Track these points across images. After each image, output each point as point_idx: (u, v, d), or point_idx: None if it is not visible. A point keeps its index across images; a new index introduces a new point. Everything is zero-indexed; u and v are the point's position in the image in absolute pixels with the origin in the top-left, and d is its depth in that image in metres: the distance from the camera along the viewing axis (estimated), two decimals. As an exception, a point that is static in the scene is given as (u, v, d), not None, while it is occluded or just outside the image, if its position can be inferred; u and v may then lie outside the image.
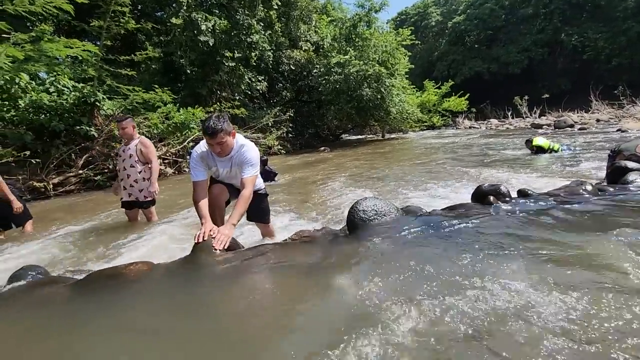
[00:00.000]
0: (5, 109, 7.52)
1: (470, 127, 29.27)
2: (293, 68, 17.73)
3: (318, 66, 17.78)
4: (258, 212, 3.00)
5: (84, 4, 7.07)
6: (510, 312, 1.30)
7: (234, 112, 12.60)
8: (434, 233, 2.21)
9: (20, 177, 7.21)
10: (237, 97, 13.99)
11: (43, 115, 8.03)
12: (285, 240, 2.58)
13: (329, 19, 20.03)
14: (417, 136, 23.39)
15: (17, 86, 7.77)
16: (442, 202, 3.76)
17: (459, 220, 2.40)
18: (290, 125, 16.93)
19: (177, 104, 10.45)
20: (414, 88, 25.23)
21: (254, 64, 14.63)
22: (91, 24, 8.57)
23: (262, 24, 14.72)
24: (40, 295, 1.92)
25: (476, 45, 46.58)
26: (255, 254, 2.30)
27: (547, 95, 33.49)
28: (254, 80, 14.72)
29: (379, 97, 17.16)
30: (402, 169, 7.87)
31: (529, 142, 8.77)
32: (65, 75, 8.50)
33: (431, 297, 1.46)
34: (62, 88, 8.52)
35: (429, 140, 17.55)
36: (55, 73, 7.96)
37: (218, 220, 2.68)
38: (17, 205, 4.06)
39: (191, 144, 10.99)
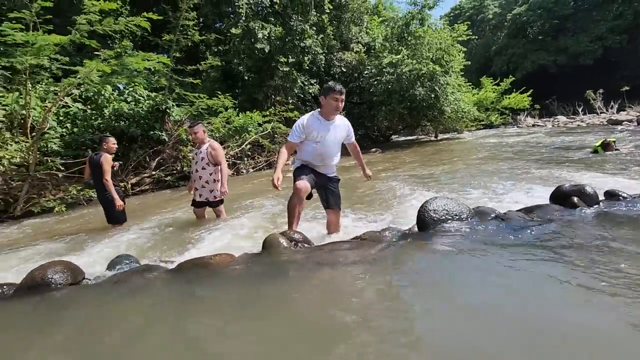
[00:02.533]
0: (93, 117, 8.52)
1: (533, 125, 27.08)
2: (344, 70, 17.82)
3: (369, 67, 17.67)
4: (335, 197, 3.23)
5: (157, 20, 7.78)
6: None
7: (287, 115, 12.98)
8: (514, 238, 2.11)
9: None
10: (291, 101, 14.40)
11: (123, 122, 8.97)
12: (355, 238, 2.62)
13: (380, 19, 19.81)
14: (474, 136, 22.20)
15: (102, 97, 8.79)
16: (513, 204, 3.55)
17: (540, 224, 2.27)
18: (341, 126, 17.00)
19: (237, 109, 11.03)
20: (470, 85, 24.00)
21: (307, 68, 14.96)
22: (163, 38, 9.39)
23: (315, 29, 15.01)
24: (143, 280, 2.17)
25: (540, 37, 42.99)
26: (328, 250, 2.38)
27: (626, 88, 29.82)
28: (306, 83, 15.06)
29: (432, 96, 16.60)
30: (463, 169, 7.53)
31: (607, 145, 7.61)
32: (141, 86, 9.44)
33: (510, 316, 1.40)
34: (139, 97, 9.47)
35: (488, 139, 16.56)
36: (133, 84, 8.85)
37: (297, 215, 3.02)
38: (119, 203, 4.58)
39: (249, 146, 11.57)
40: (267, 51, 12.73)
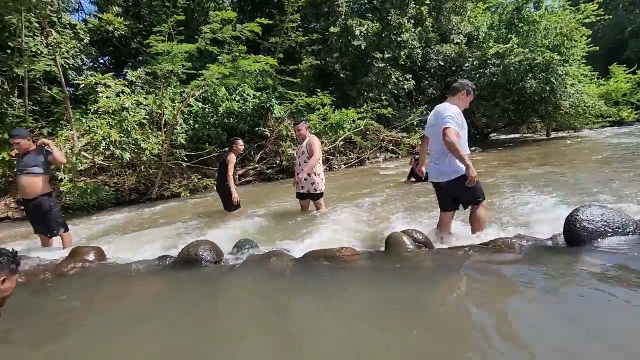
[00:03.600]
0: (210, 115, 9.63)
1: (685, 123, 21.80)
2: (442, 64, 16.78)
3: (470, 59, 16.30)
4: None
5: (264, 25, 8.39)
6: None
7: (381, 112, 12.81)
8: None
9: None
10: (384, 97, 14.17)
11: (233, 119, 9.95)
12: (484, 244, 2.41)
13: (486, 6, 18.08)
14: (598, 134, 18.81)
15: (218, 97, 9.89)
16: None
17: None
18: (435, 124, 16.13)
19: (333, 106, 11.30)
20: (595, 75, 20.39)
21: (402, 63, 14.52)
22: (270, 41, 10.11)
23: (413, 22, 14.45)
24: (275, 265, 2.35)
25: (700, 11, 34.23)
26: (457, 255, 2.25)
27: None
28: (401, 79, 14.62)
29: (547, 89, 14.54)
30: (598, 173, 6.39)
31: None
32: (247, 86, 10.34)
33: None
34: (247, 97, 10.39)
35: (621, 139, 13.84)
36: (243, 85, 9.75)
37: None
38: (235, 196, 5.19)
39: (342, 143, 11.77)
40: (363, 48, 12.72)
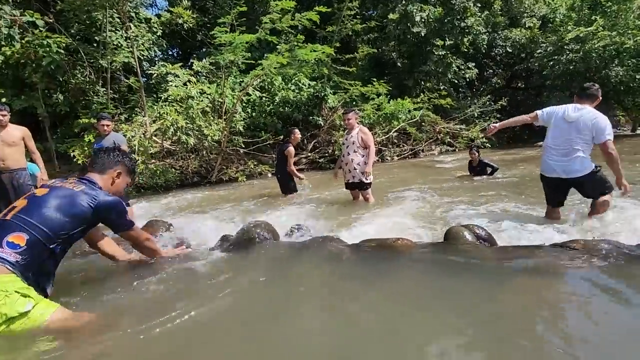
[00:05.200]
0: (267, 103, 9.93)
1: None
2: (509, 50, 15.48)
3: (544, 45, 14.80)
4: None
5: (322, 13, 8.38)
6: None
7: (439, 103, 12.23)
8: None
9: (273, 156, 9.46)
10: (442, 87, 13.49)
11: (288, 108, 10.16)
12: (556, 245, 2.22)
13: (566, -16, 16.25)
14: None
15: (274, 86, 10.14)
16: None
17: None
18: (498, 116, 15.02)
19: (388, 96, 11.03)
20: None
21: (465, 50, 13.65)
22: (327, 29, 10.09)
23: (479, 5, 13.46)
24: (331, 250, 2.38)
25: None
26: (525, 254, 2.10)
27: None
28: (462, 67, 13.77)
29: (637, 77, 12.79)
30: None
31: None
32: (303, 75, 10.45)
33: None
34: (302, 86, 10.52)
35: None
36: (299, 74, 9.88)
37: None
38: (301, 176, 5.64)
39: (395, 133, 11.48)
40: (422, 35, 12.16)
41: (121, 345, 1.34)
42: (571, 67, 13.57)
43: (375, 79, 10.66)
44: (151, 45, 9.19)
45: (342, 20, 10.01)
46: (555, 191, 3.29)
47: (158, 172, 7.28)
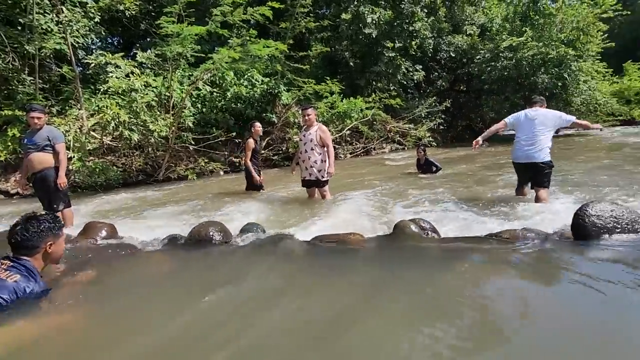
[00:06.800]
0: (218, 99, 9.61)
1: (699, 124, 21.41)
2: (453, 55, 16.52)
3: (483, 51, 16.03)
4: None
5: (275, 9, 8.30)
6: None
7: (389, 102, 12.70)
8: None
9: (225, 153, 9.20)
10: (392, 88, 14.03)
11: (240, 104, 9.92)
12: (490, 235, 2.44)
13: (501, -4, 17.72)
14: (608, 133, 18.55)
15: (226, 81, 9.84)
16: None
17: None
18: (442, 116, 16.03)
19: (341, 95, 11.22)
20: (609, 72, 20.02)
21: (412, 53, 14.32)
22: (280, 26, 9.99)
23: (426, 11, 14.19)
24: (285, 248, 2.39)
25: None
26: (464, 244, 2.28)
27: None
28: (410, 69, 14.44)
29: (559, 84, 14.34)
30: (608, 173, 6.31)
31: None
32: (256, 71, 10.26)
33: None
34: (255, 82, 10.33)
35: (632, 138, 13.66)
36: (252, 69, 9.68)
37: None
38: (256, 179, 5.49)
39: (348, 132, 11.73)
40: (374, 36, 12.54)
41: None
42: (505, 73, 14.86)
43: (328, 78, 10.78)
44: (87, 32, 8.41)
45: (296, 17, 9.98)
46: (523, 173, 4.17)
47: (97, 170, 6.73)
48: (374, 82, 13.98)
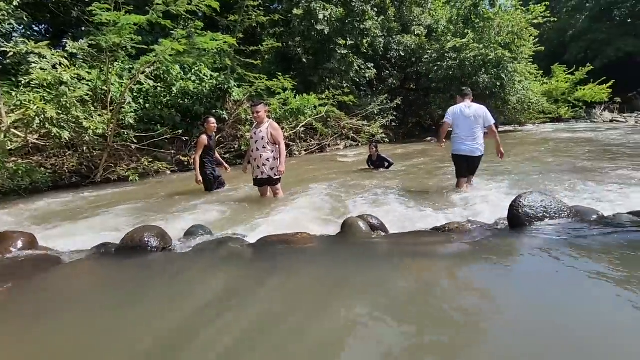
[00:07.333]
0: (163, 94, 9.03)
1: (611, 121, 24.29)
2: (402, 54, 17.08)
3: (430, 52, 16.76)
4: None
5: (224, 1, 7.95)
6: None
7: (342, 100, 12.81)
8: (630, 247, 1.87)
9: (172, 152, 8.67)
10: (345, 85, 14.18)
11: (187, 100, 9.42)
12: (435, 228, 2.49)
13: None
14: (539, 129, 20.42)
15: (171, 75, 9.27)
16: (617, 206, 3.13)
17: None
18: (394, 114, 16.53)
19: (293, 91, 11.09)
20: (539, 74, 21.96)
21: (364, 51, 14.56)
22: (229, 19, 9.61)
23: (376, 10, 14.49)
24: (228, 251, 2.25)
25: (629, 20, 37.83)
26: (412, 239, 2.30)
27: None
28: (362, 67, 14.69)
29: (498, 84, 15.42)
30: (537, 165, 6.90)
31: None
32: (204, 65, 9.78)
33: None
34: (203, 77, 9.85)
35: (559, 134, 15.12)
36: (200, 63, 9.20)
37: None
38: (198, 179, 5.29)
39: (302, 128, 11.65)
40: (326, 33, 12.55)
41: None
42: (450, 73, 15.66)
43: (281, 74, 10.60)
44: (5, 17, 7.44)
45: (246, 10, 9.66)
46: (463, 163, 4.58)
47: (20, 171, 5.99)
48: (327, 79, 14.02)
